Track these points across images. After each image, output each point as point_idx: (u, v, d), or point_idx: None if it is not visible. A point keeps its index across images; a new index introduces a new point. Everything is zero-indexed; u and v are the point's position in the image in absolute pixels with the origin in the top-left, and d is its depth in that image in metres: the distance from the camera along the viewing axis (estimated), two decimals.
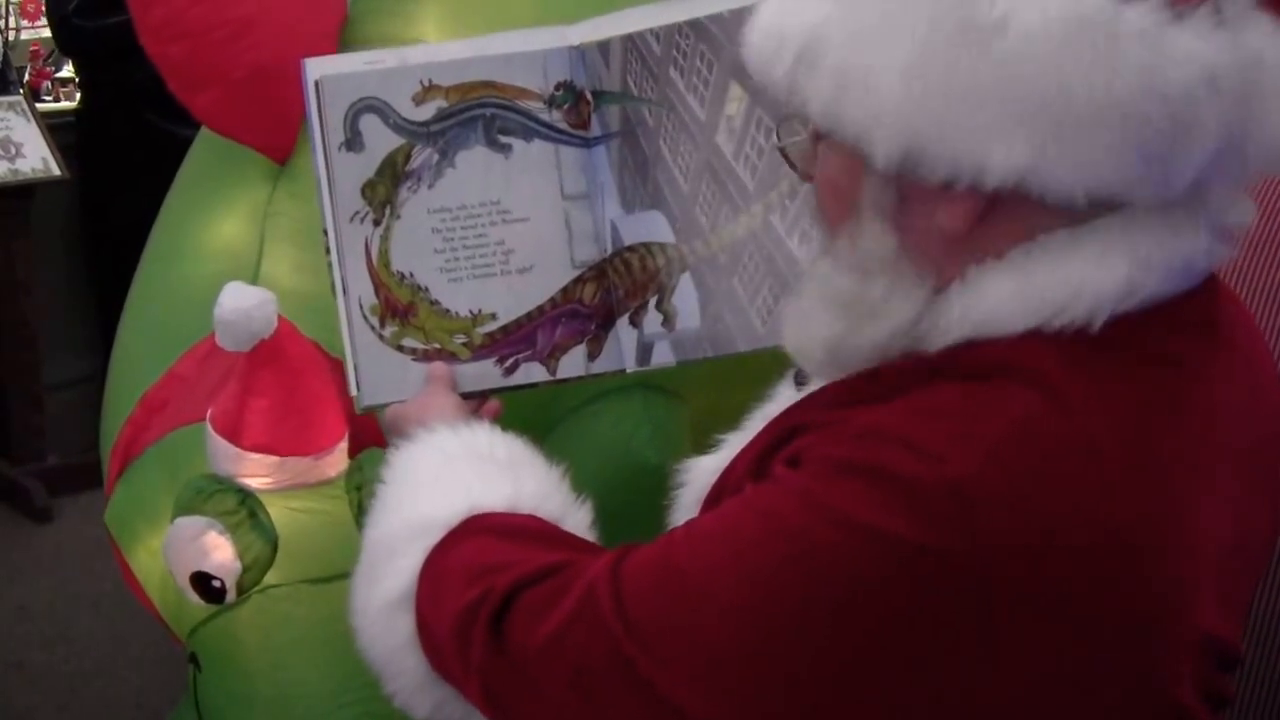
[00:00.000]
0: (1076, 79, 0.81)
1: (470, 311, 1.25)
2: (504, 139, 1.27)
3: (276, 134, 1.91)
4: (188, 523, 1.68)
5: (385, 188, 1.25)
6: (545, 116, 1.29)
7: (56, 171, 3.58)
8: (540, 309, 1.26)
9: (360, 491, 1.75)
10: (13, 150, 3.54)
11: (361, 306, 1.23)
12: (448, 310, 1.24)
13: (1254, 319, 1.05)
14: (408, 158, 1.25)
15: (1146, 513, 0.85)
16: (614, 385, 2.05)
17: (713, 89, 1.29)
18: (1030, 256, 0.88)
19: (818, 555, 0.83)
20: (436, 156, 1.25)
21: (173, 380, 1.87)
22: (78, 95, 3.93)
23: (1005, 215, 0.88)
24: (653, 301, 1.29)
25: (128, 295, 2.13)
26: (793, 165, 1.00)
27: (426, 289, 1.23)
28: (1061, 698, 0.85)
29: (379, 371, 1.26)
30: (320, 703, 1.63)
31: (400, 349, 1.25)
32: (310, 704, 1.65)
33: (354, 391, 1.29)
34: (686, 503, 1.05)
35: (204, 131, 2.19)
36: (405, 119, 1.25)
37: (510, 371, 1.27)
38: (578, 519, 1.10)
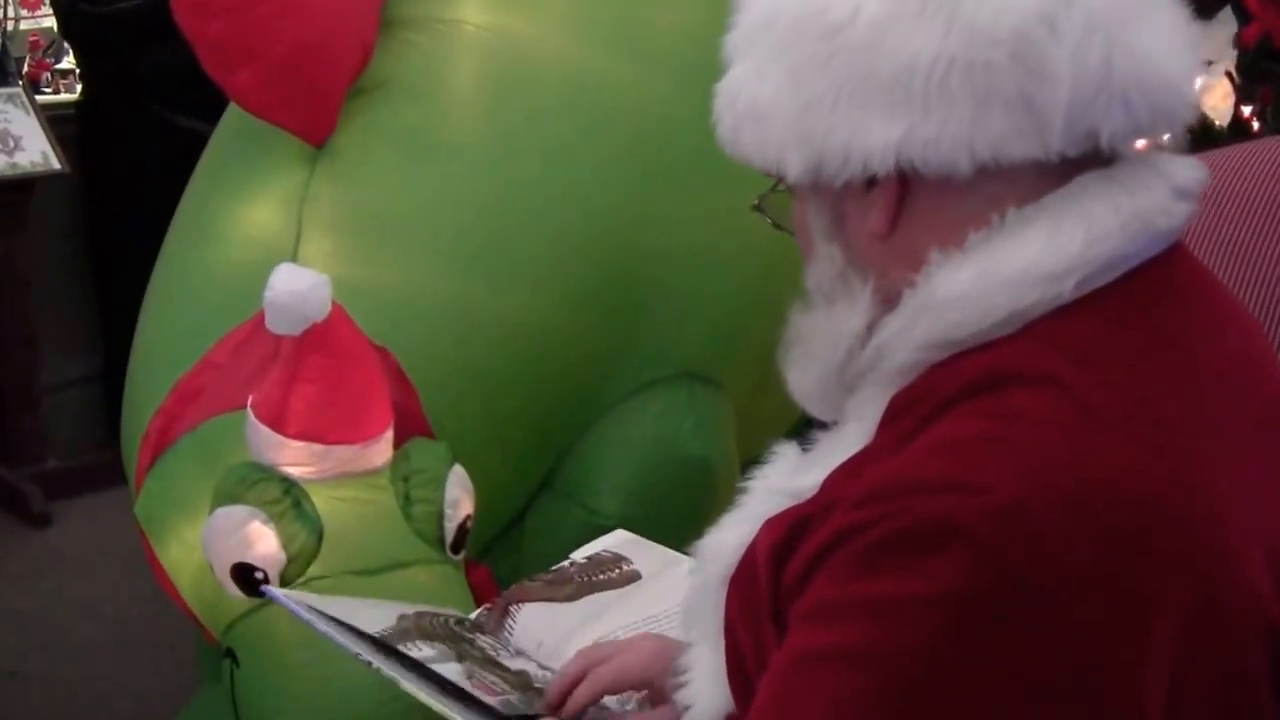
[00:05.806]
0: (917, 46, 0.87)
1: None
2: None
3: (315, 113, 1.86)
4: (229, 512, 1.63)
5: None
6: None
7: (56, 165, 3.50)
8: None
9: (407, 482, 1.70)
10: (12, 143, 3.46)
11: None
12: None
13: (1227, 286, 1.07)
14: None
15: (1187, 485, 0.85)
16: (661, 375, 2.07)
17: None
18: (989, 239, 0.90)
19: (902, 655, 0.82)
20: None
21: (208, 367, 1.82)
22: (78, 87, 3.87)
23: (926, 205, 0.92)
24: None
25: (150, 283, 2.07)
26: (778, 226, 1.06)
27: None
28: (1153, 689, 0.83)
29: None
30: (362, 699, 1.58)
31: None
32: (352, 700, 1.60)
33: None
34: (712, 582, 1.03)
35: (229, 114, 2.14)
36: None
37: None
38: None
